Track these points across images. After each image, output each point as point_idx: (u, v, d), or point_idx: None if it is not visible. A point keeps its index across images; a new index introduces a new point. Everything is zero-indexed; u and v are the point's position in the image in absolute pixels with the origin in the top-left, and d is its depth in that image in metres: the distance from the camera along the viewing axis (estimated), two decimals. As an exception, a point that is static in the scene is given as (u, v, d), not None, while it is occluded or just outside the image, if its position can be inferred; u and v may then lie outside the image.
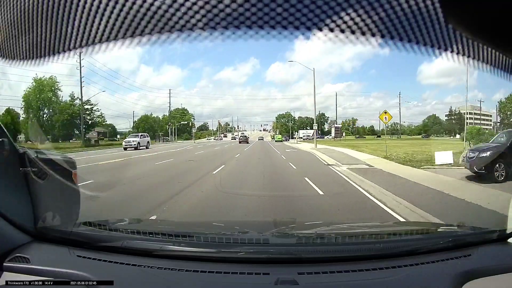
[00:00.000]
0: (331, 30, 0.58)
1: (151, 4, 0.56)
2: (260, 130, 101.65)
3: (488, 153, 9.37)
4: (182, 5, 0.55)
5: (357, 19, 0.57)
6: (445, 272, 1.57)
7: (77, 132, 46.17)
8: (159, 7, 0.56)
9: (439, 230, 2.36)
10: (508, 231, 1.91)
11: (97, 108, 46.71)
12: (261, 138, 73.69)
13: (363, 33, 0.59)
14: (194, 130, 74.73)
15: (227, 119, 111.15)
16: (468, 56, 0.67)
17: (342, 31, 0.59)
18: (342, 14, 0.57)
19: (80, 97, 41.98)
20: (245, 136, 51.36)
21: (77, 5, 0.61)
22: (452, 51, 0.65)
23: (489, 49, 0.67)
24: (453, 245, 1.82)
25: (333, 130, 69.68)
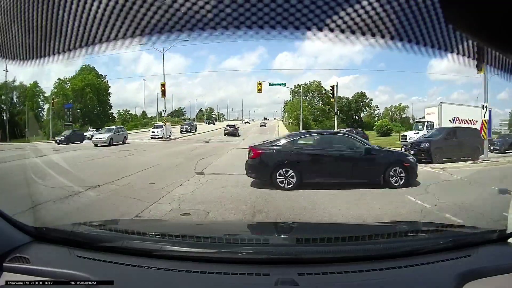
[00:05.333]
0: (331, 30, 0.59)
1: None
2: (263, 119, 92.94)
3: None
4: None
5: (357, 19, 0.58)
6: (445, 273, 1.57)
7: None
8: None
9: (439, 230, 2.36)
10: (508, 231, 1.90)
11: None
12: (264, 125, 52.78)
13: (363, 33, 0.60)
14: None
15: (224, 110, 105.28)
16: (468, 57, 0.67)
17: (342, 31, 0.59)
18: (342, 14, 0.57)
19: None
20: (233, 126, 36.98)
21: (77, 5, 0.61)
22: (452, 51, 0.65)
23: (489, 49, 0.67)
24: (453, 246, 1.82)
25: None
